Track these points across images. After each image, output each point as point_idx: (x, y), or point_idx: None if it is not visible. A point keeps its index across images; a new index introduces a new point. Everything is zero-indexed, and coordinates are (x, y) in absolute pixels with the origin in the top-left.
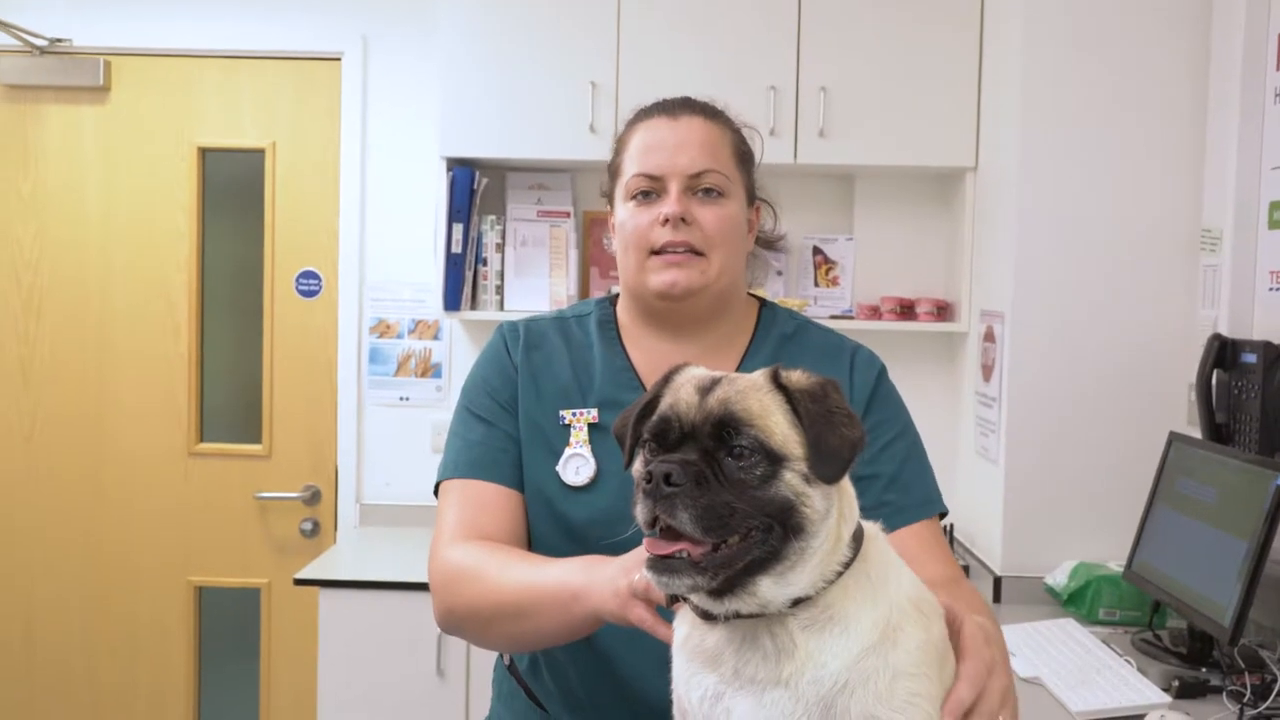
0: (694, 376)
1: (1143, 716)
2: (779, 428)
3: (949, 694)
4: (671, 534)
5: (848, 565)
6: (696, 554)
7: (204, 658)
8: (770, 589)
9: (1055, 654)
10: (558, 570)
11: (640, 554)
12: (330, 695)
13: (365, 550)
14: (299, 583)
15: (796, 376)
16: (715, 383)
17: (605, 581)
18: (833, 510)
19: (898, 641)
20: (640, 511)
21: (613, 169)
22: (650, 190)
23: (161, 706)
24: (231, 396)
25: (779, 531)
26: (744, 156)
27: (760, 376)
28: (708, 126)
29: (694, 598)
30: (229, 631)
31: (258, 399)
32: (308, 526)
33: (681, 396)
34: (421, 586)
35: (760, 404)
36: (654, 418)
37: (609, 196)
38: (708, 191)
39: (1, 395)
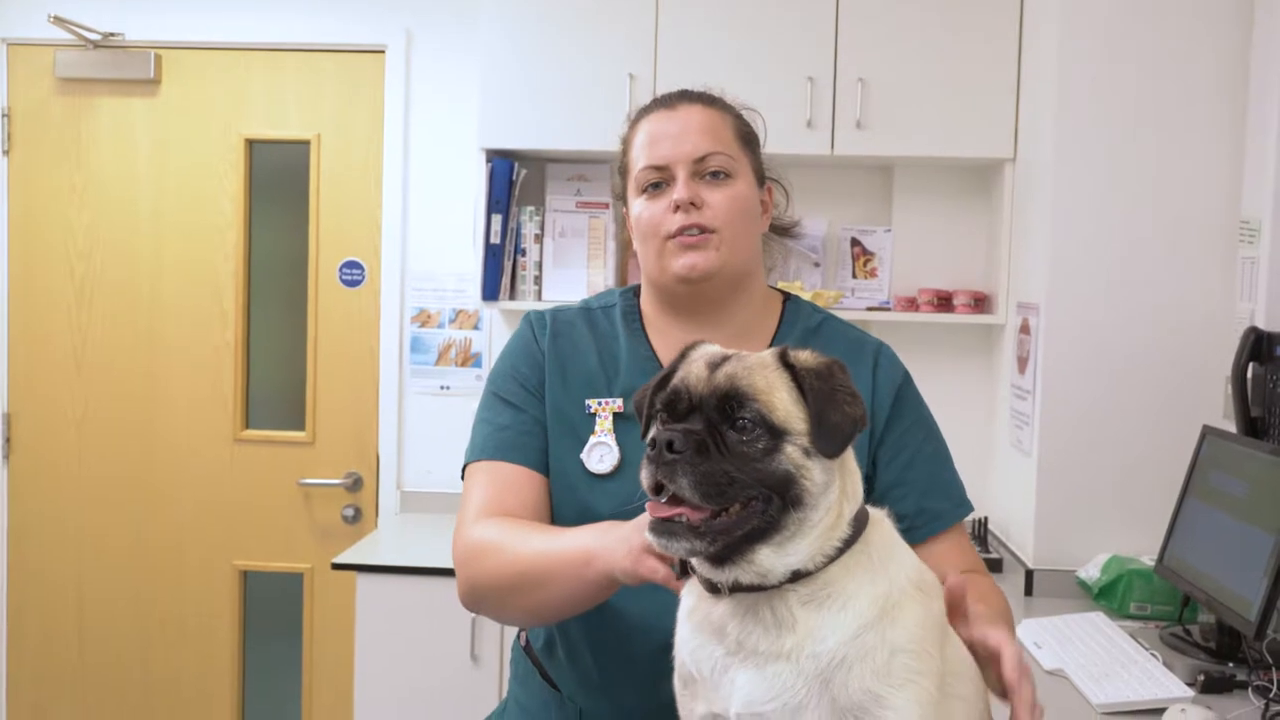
0: (707, 352)
1: (1164, 710)
2: (782, 403)
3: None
4: (675, 501)
5: (849, 544)
6: (695, 519)
7: (248, 641)
8: (769, 558)
9: (1082, 647)
10: (572, 536)
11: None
12: (366, 678)
13: (404, 536)
14: (336, 567)
15: (804, 355)
16: (725, 359)
17: (619, 541)
18: (833, 486)
19: (897, 619)
20: (644, 476)
21: (621, 168)
22: (659, 181)
23: (207, 687)
24: (276, 384)
25: (778, 503)
26: (747, 137)
27: (769, 355)
28: (707, 112)
29: (697, 564)
30: (273, 615)
31: (302, 387)
32: (350, 513)
33: (693, 370)
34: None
35: (765, 380)
36: (665, 392)
37: (622, 197)
38: (715, 174)
39: (54, 383)
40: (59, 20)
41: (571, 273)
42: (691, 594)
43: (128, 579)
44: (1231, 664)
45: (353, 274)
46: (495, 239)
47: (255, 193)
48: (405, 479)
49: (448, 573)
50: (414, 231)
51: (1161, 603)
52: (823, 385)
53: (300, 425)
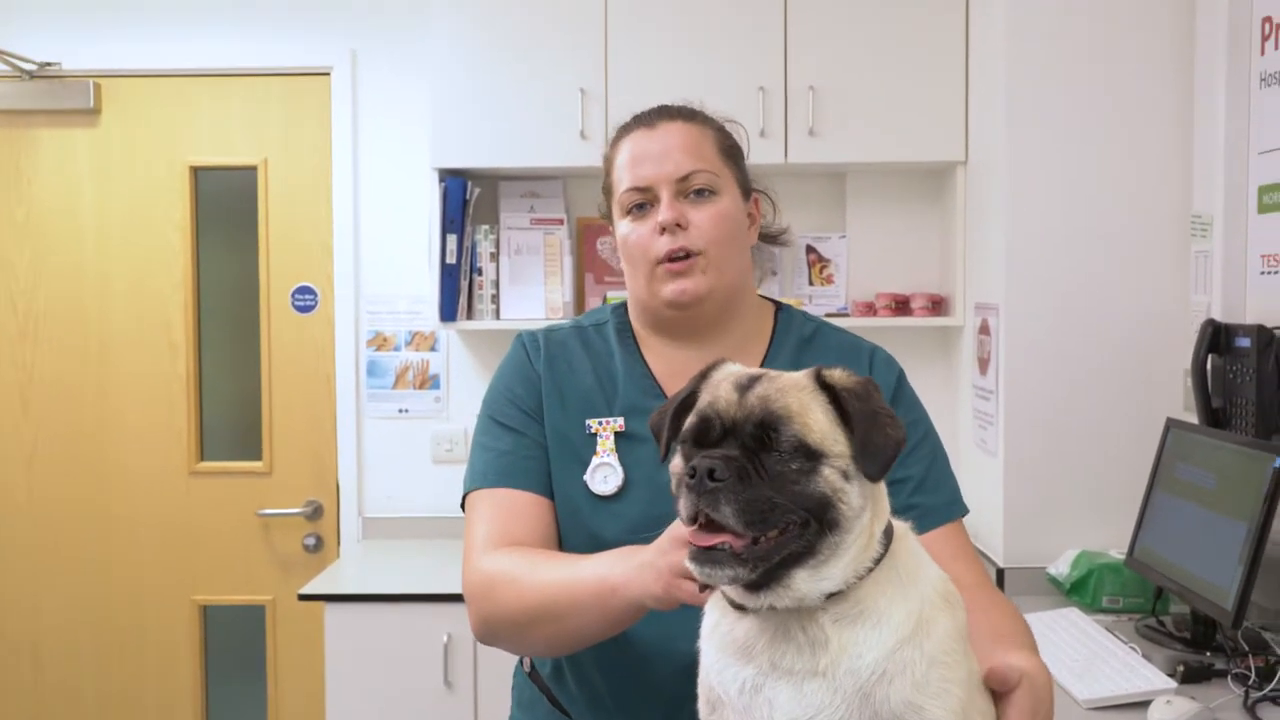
0: (732, 373)
1: (1149, 703)
2: (818, 424)
3: None
4: (712, 527)
5: (878, 561)
6: (738, 546)
7: (210, 676)
8: (805, 582)
9: (1060, 643)
10: (592, 566)
11: (671, 536)
12: (339, 709)
13: (369, 564)
14: (304, 598)
15: (839, 375)
16: (754, 380)
17: (643, 567)
18: (868, 508)
19: (930, 633)
20: (683, 505)
21: (605, 189)
22: (643, 202)
23: None
24: (231, 414)
25: (814, 526)
26: (730, 151)
27: (803, 376)
28: (687, 128)
29: (731, 590)
30: (235, 649)
31: (257, 416)
32: (311, 542)
33: (720, 394)
34: (427, 598)
35: (799, 402)
36: (693, 417)
37: (608, 217)
38: (699, 192)
39: (1, 422)
40: None
41: (529, 290)
42: (714, 610)
43: (84, 617)
44: (1208, 653)
45: (305, 299)
46: (451, 259)
47: (202, 221)
48: (366, 505)
49: (417, 599)
50: (366, 254)
51: (1132, 595)
52: (864, 407)
53: (257, 455)
